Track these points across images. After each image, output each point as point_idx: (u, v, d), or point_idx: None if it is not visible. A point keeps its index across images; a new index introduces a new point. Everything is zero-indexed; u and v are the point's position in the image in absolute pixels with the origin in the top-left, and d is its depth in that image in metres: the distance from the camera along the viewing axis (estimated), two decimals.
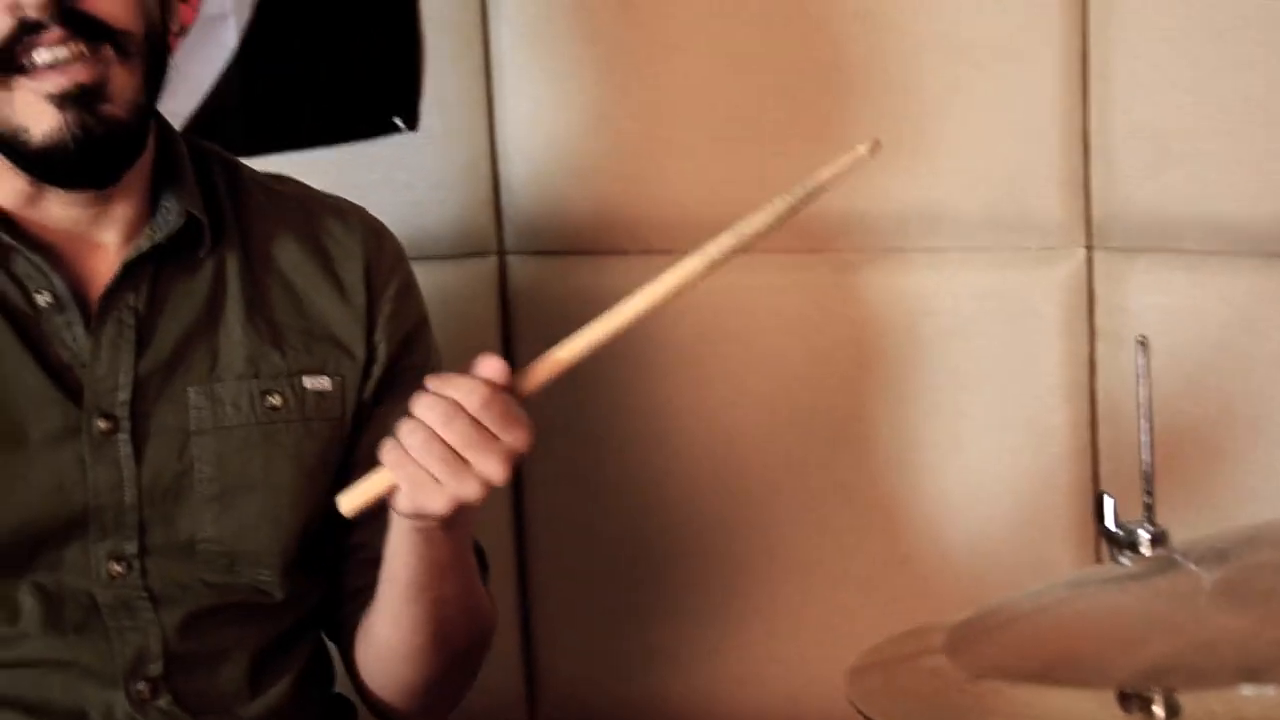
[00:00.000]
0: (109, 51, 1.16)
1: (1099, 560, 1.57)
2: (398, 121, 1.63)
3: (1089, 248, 1.54)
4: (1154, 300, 1.53)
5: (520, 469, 1.72)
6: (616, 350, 1.56)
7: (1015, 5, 1.55)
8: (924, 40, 1.58)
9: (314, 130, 1.64)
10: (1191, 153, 1.51)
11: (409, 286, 1.41)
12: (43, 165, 1.18)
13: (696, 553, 1.73)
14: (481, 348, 1.58)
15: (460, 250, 1.65)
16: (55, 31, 1.13)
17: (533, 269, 1.72)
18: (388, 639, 1.30)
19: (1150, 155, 1.52)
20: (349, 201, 1.41)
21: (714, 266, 1.16)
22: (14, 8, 1.13)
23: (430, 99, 1.64)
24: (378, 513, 1.24)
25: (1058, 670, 1.04)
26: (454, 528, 1.22)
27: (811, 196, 1.12)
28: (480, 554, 1.39)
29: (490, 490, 1.14)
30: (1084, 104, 1.54)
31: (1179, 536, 1.08)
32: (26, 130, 1.16)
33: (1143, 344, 1.09)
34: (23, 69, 1.15)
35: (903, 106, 1.60)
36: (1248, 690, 0.95)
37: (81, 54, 1.15)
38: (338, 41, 1.68)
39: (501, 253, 1.69)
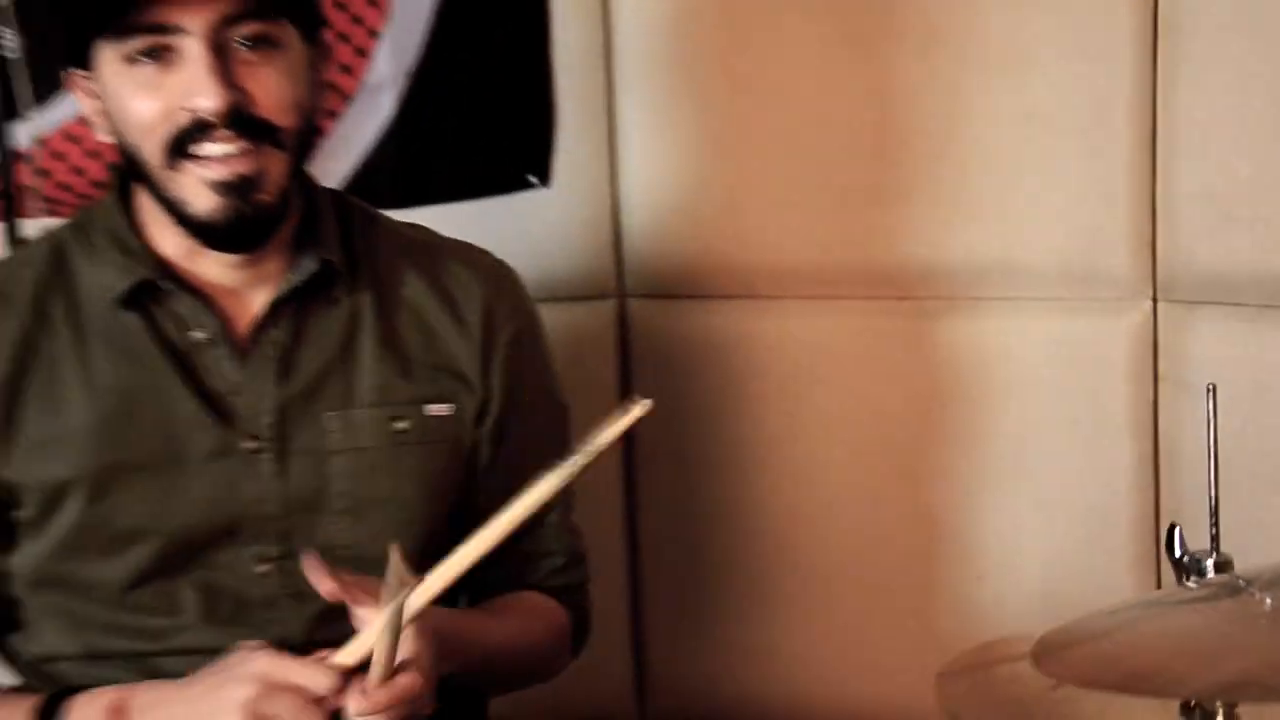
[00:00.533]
0: (267, 146, 1.26)
1: (1159, 585, 1.64)
2: (532, 179, 1.75)
3: (1154, 300, 1.62)
4: (1214, 349, 1.59)
5: (633, 490, 1.83)
6: (717, 386, 1.80)
7: (1090, 79, 1.64)
8: (1005, 109, 1.68)
9: (458, 186, 1.74)
10: (1250, 215, 1.58)
11: (527, 330, 1.48)
12: (200, 234, 1.27)
13: (789, 566, 1.81)
14: (603, 377, 1.76)
15: (585, 293, 1.77)
16: (225, 132, 1.22)
17: (649, 310, 1.84)
18: None
19: (1212, 217, 1.60)
20: (479, 249, 1.48)
21: (521, 517, 1.21)
22: (192, 109, 1.23)
23: (561, 159, 1.76)
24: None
25: (1134, 682, 1.08)
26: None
27: (598, 456, 1.18)
28: (579, 587, 1.48)
29: None
30: (1152, 169, 1.61)
31: (1240, 564, 1.14)
32: (189, 204, 1.26)
33: (1211, 391, 1.15)
34: (191, 156, 1.24)
35: (983, 168, 1.70)
36: None
37: (244, 149, 1.24)
38: (480, 108, 1.78)
39: (621, 295, 1.82)
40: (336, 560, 1.32)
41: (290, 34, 1.27)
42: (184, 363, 1.32)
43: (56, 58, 1.47)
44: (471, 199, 1.75)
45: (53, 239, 1.38)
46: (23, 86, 1.58)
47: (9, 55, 1.57)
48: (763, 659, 1.85)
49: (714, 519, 1.85)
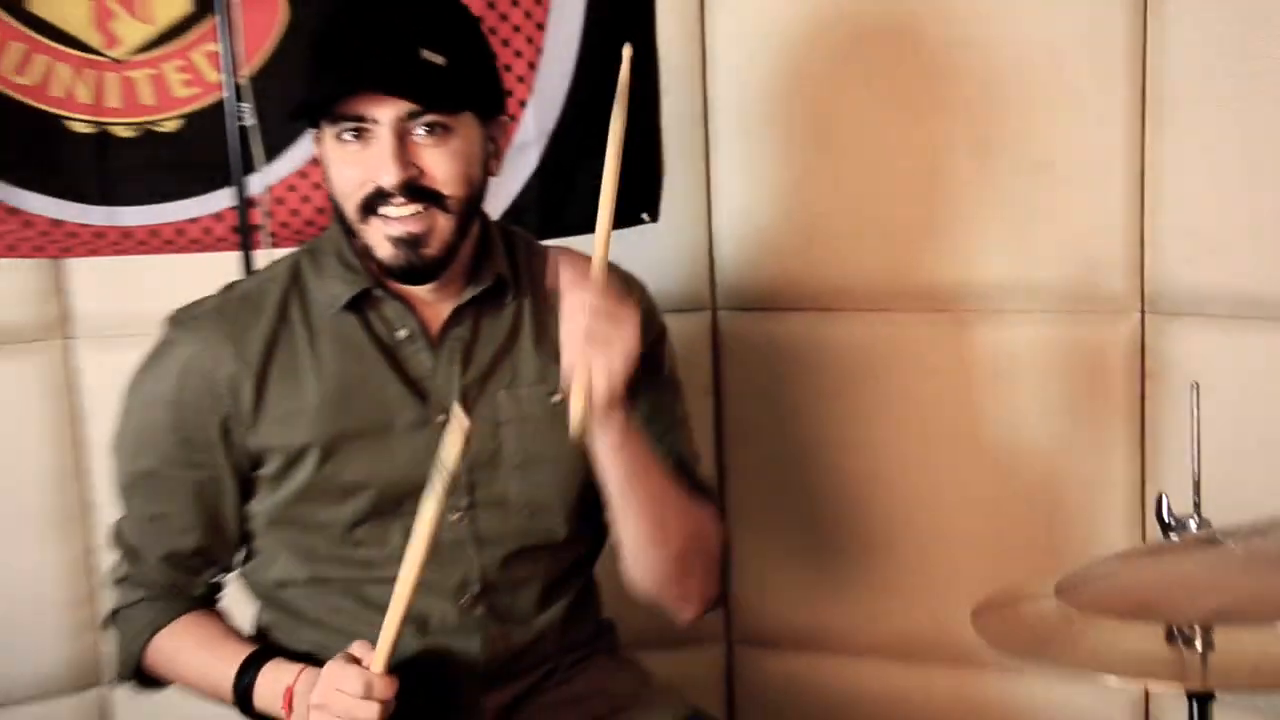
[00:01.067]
0: (435, 210, 1.38)
1: (1144, 542, 1.79)
2: (645, 216, 1.91)
3: (1142, 312, 1.78)
4: (1190, 351, 1.76)
5: (723, 463, 2.03)
6: (792, 380, 2.02)
7: (1091, 137, 1.80)
8: (1023, 160, 1.84)
9: (587, 222, 1.65)
10: (1220, 246, 1.74)
11: (650, 319, 1.53)
12: (383, 273, 1.42)
13: (854, 519, 2.00)
14: (699, 374, 1.95)
15: (683, 306, 1.93)
16: (400, 198, 1.36)
17: (737, 321, 2.03)
18: (621, 537, 1.47)
19: (1189, 247, 1.76)
20: (612, 263, 1.50)
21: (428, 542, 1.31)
22: (377, 181, 1.36)
23: (667, 200, 1.93)
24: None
25: (1136, 611, 1.21)
26: (619, 452, 1.39)
27: (454, 478, 1.29)
28: (711, 491, 1.58)
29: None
30: (1140, 208, 1.78)
31: (1216, 525, 1.29)
32: (375, 250, 1.40)
33: (1195, 387, 1.32)
34: (377, 213, 1.38)
35: (1006, 207, 1.86)
36: None
37: (416, 212, 1.37)
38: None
39: (714, 309, 2.02)
40: (510, 507, 1.48)
41: (466, 119, 1.39)
42: (391, 355, 1.46)
43: (292, 126, 1.71)
44: (592, 233, 1.79)
45: (291, 259, 1.53)
46: (256, 148, 1.76)
47: (247, 124, 1.74)
48: (830, 590, 2.04)
49: (791, 483, 2.04)
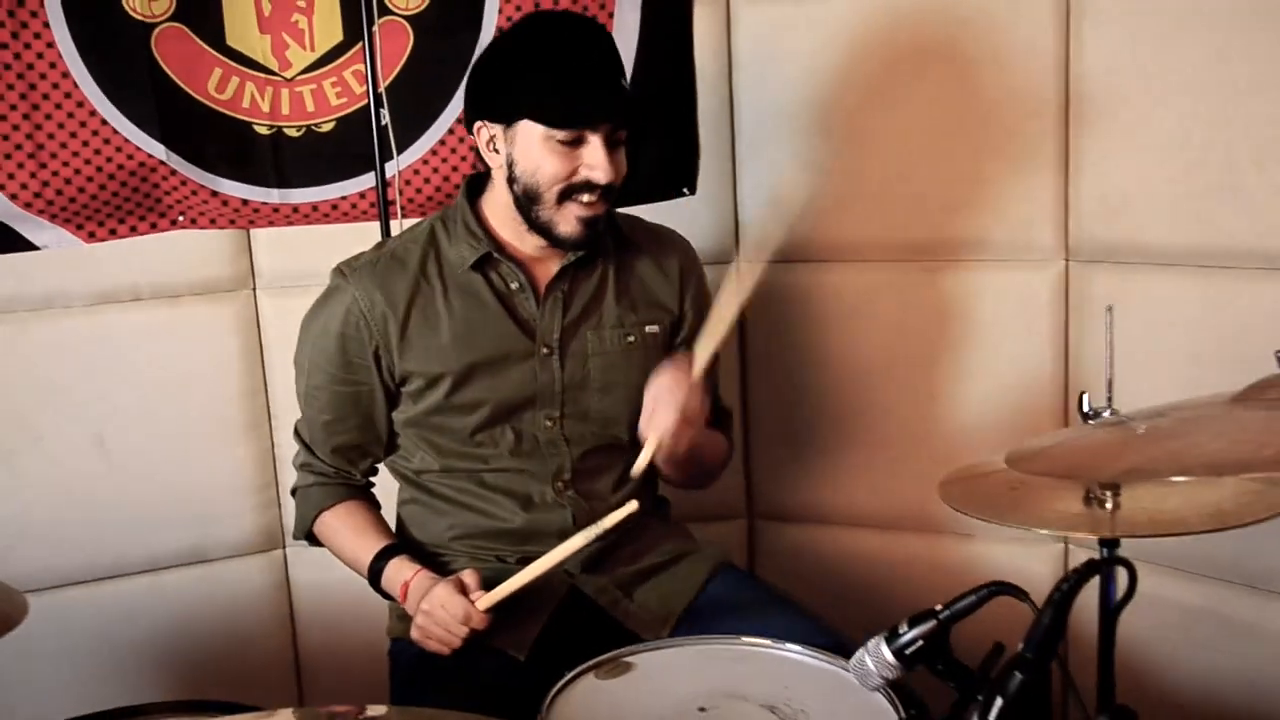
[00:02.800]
0: (606, 201, 1.54)
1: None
2: (685, 190, 2.13)
3: (1066, 260, 1.97)
4: (1103, 289, 1.93)
5: (746, 379, 2.15)
6: (800, 315, 2.11)
7: (1028, 136, 1.94)
8: (980, 142, 2.00)
9: (641, 195, 2.00)
10: (1126, 207, 1.91)
11: (701, 278, 1.73)
12: (558, 244, 1.56)
13: (850, 422, 2.21)
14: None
15: (714, 259, 2.00)
16: (597, 190, 1.52)
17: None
18: (662, 469, 1.64)
19: (1102, 209, 1.93)
20: (671, 230, 1.76)
21: (577, 550, 1.48)
22: (589, 178, 1.50)
23: (702, 176, 2.13)
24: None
25: (1069, 472, 1.35)
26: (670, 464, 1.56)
27: (603, 534, 1.47)
28: (727, 415, 1.75)
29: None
30: (1065, 181, 1.95)
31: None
32: (557, 227, 1.53)
33: (1110, 310, 1.45)
34: (573, 199, 1.52)
35: (965, 181, 2.02)
36: (1176, 479, 1.31)
37: (600, 199, 1.53)
38: (654, 148, 2.02)
39: (738, 261, 2.19)
40: (590, 418, 1.63)
41: (624, 136, 1.55)
42: (506, 303, 1.59)
43: (417, 125, 1.90)
44: (649, 202, 2.05)
45: (428, 225, 1.62)
46: (390, 143, 1.98)
47: (384, 124, 1.96)
48: (830, 477, 2.25)
49: (799, 396, 2.24)
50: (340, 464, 1.67)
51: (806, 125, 2.14)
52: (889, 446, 2.20)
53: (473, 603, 1.46)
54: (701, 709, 1.37)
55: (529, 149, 1.50)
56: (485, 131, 1.54)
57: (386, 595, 1.61)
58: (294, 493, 1.72)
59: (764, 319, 2.20)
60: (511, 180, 1.54)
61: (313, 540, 1.71)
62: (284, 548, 2.29)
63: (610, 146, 1.49)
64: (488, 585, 1.50)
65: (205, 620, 2.20)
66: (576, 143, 1.48)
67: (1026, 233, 2.02)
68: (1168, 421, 1.28)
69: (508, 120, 1.51)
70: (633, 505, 1.42)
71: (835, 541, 2.27)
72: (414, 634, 1.49)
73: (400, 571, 1.56)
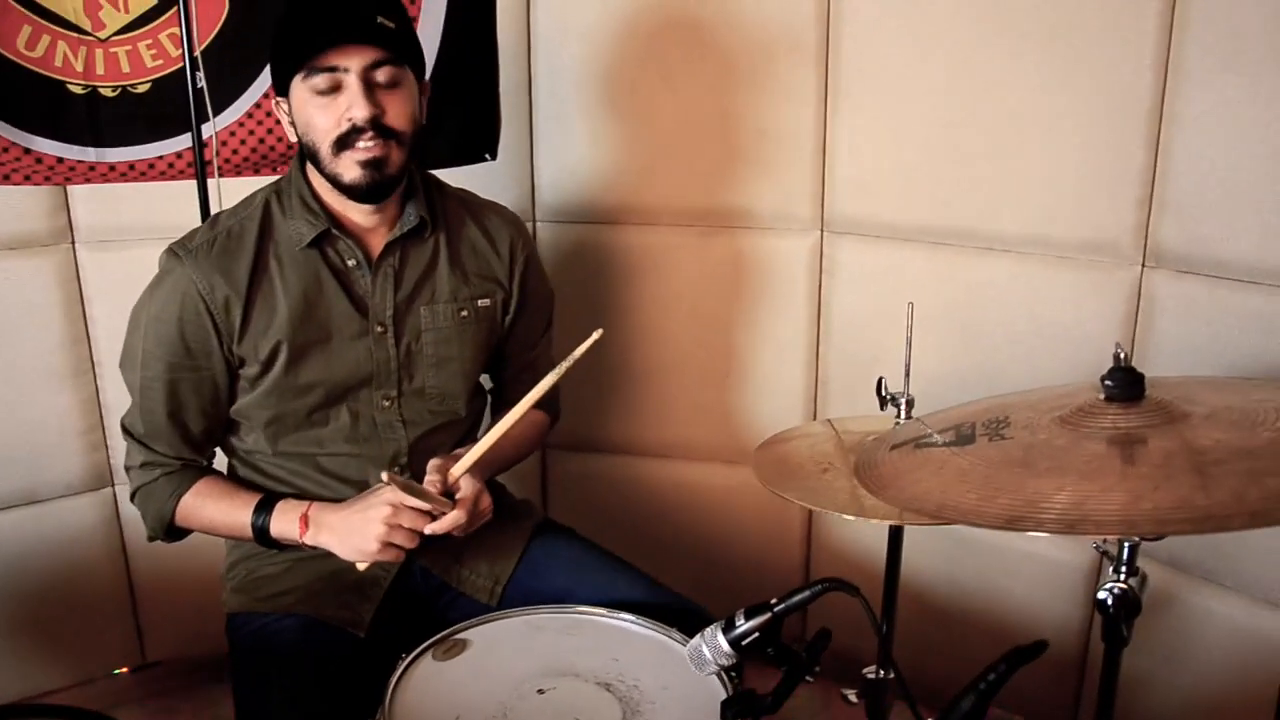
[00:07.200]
0: (392, 143, 1.45)
1: (815, 417, 2.17)
2: (487, 155, 2.17)
3: (821, 231, 2.09)
4: (852, 258, 2.07)
5: (551, 321, 1.89)
6: (596, 270, 2.19)
7: (792, 111, 2.01)
8: (749, 125, 2.05)
9: (444, 158, 2.10)
10: (873, 187, 2.00)
11: (533, 254, 1.67)
12: (349, 194, 1.47)
13: (637, 364, 2.28)
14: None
15: None
16: (369, 133, 1.43)
17: (552, 230, 2.27)
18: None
19: (853, 188, 2.03)
20: (502, 205, 1.69)
21: (533, 402, 1.42)
22: (350, 119, 1.42)
23: (502, 144, 2.18)
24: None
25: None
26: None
27: (572, 366, 1.39)
28: (556, 390, 1.56)
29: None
30: (822, 162, 2.04)
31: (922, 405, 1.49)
32: (342, 176, 1.45)
33: (910, 306, 1.55)
34: (349, 147, 1.44)
35: (738, 158, 2.07)
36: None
37: (379, 142, 1.44)
38: (458, 113, 2.11)
39: (534, 221, 2.25)
40: (427, 395, 1.59)
41: (408, 74, 1.47)
42: (341, 279, 1.53)
43: (233, 88, 1.85)
44: (453, 165, 2.11)
45: (261, 199, 1.55)
46: (206, 105, 1.94)
47: (199, 87, 1.91)
48: (619, 411, 2.34)
49: (614, 333, 2.29)
50: (186, 453, 1.60)
51: (595, 99, 2.17)
52: (666, 385, 2.30)
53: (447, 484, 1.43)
54: (540, 691, 1.34)
55: (301, 110, 1.45)
56: (281, 106, 1.50)
57: (275, 545, 1.54)
58: (133, 497, 1.62)
59: (560, 274, 2.17)
60: (303, 147, 1.50)
61: (172, 534, 1.61)
62: (113, 486, 2.28)
63: (372, 86, 1.42)
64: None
65: (40, 558, 2.19)
66: (334, 90, 1.42)
67: (787, 205, 2.14)
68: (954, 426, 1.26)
69: (283, 88, 1.48)
70: (599, 332, 1.37)
71: (620, 469, 2.36)
72: (371, 546, 1.42)
73: (291, 509, 1.51)
